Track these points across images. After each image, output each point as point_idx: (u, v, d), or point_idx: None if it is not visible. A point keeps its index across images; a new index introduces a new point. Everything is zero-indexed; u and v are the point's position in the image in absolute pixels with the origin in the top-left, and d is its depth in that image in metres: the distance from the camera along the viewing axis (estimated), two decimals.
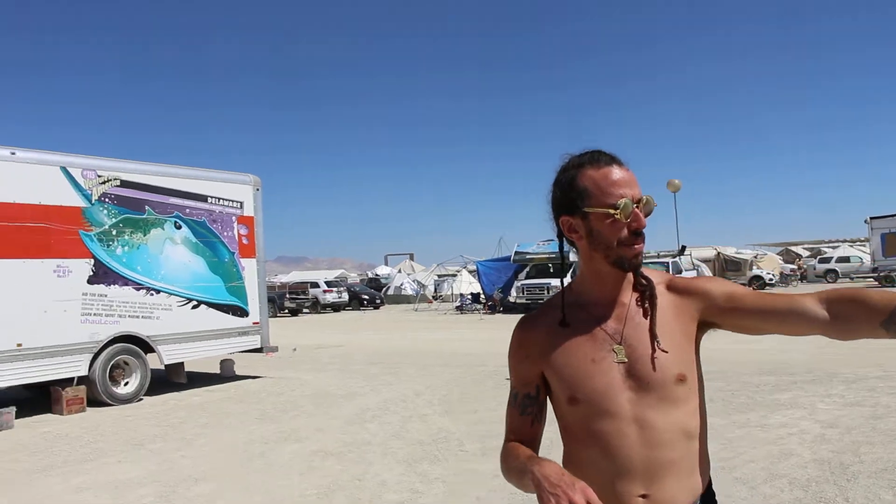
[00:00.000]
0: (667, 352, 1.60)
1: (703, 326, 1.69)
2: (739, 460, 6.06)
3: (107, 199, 10.44)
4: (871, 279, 36.14)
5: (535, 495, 1.46)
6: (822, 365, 10.81)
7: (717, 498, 1.73)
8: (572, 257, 1.97)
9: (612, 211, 1.57)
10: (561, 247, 1.73)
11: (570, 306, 1.70)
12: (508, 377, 1.83)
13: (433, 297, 43.58)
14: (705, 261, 36.03)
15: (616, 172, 1.60)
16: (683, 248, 33.88)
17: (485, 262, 34.05)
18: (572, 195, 1.62)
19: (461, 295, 37.59)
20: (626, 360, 1.61)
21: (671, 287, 1.70)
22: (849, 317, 1.47)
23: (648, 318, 1.64)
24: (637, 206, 1.59)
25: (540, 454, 1.68)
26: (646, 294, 1.67)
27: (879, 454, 6.01)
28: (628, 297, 1.68)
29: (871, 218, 26.75)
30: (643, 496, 1.57)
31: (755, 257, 46.24)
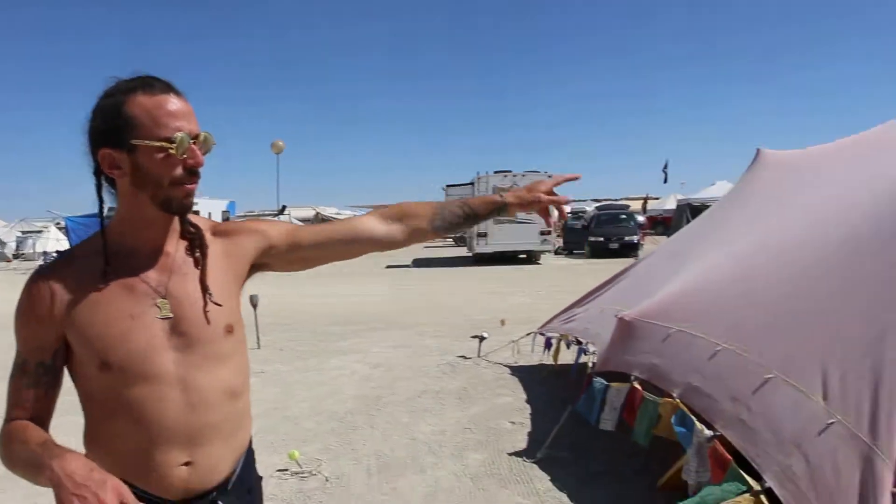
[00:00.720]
0: (220, 305, 1.50)
1: (254, 269, 1.64)
2: (292, 401, 6.59)
3: None
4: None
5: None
6: (387, 316, 12.04)
7: (254, 450, 1.72)
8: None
9: (166, 145, 1.38)
10: (99, 186, 1.48)
11: (101, 256, 1.47)
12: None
13: (14, 255, 38.63)
14: (304, 220, 37.37)
15: (173, 102, 1.40)
16: (283, 207, 34.84)
17: (76, 217, 31.10)
18: (118, 124, 1.38)
19: (45, 253, 34.07)
20: (171, 315, 1.46)
21: (217, 232, 1.60)
22: (405, 227, 1.73)
23: (200, 268, 1.51)
24: (194, 142, 1.42)
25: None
26: (195, 242, 1.53)
27: (408, 386, 7.01)
28: (174, 245, 1.52)
29: (448, 186, 29.21)
30: (187, 463, 1.46)
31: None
